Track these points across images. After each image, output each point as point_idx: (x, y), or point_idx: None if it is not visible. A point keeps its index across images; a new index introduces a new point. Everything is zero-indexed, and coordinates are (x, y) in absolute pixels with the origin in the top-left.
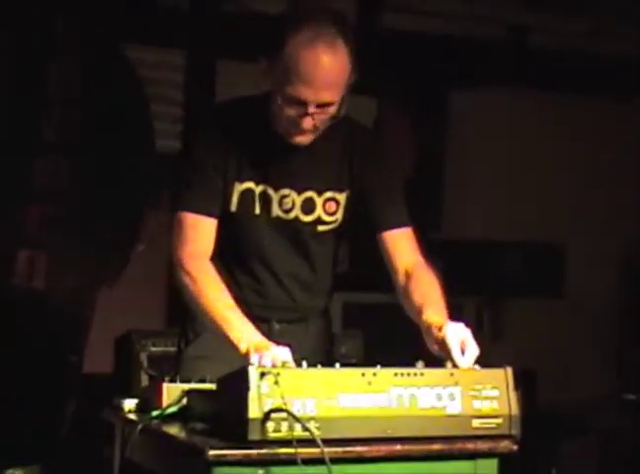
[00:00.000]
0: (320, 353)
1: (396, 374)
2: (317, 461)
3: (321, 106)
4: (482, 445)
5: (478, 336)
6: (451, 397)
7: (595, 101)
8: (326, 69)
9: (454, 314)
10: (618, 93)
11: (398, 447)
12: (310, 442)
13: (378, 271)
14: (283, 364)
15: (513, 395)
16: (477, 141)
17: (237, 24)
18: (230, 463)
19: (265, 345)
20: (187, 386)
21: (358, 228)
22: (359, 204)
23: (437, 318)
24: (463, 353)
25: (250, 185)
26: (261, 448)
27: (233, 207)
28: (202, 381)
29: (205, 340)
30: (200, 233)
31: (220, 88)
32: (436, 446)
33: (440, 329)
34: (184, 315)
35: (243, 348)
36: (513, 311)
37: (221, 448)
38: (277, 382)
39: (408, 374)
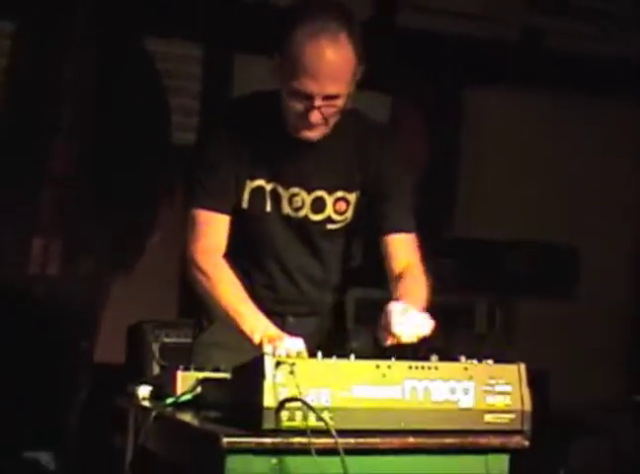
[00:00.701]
0: (332, 347)
1: (410, 367)
2: (330, 452)
3: (327, 98)
4: (494, 440)
5: (490, 334)
6: (465, 391)
7: (608, 102)
8: (330, 62)
9: (467, 312)
10: (632, 94)
11: (411, 440)
12: (324, 433)
13: None
14: (298, 354)
15: (525, 391)
16: (491, 140)
17: (254, 16)
18: (244, 451)
19: (279, 336)
20: (201, 374)
21: (371, 225)
22: (368, 204)
23: None
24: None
25: (261, 182)
26: (275, 437)
27: (244, 204)
28: (217, 370)
29: (219, 327)
30: (213, 229)
31: (238, 81)
32: (448, 440)
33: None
34: (198, 305)
35: (257, 339)
36: (525, 311)
37: (235, 436)
38: (292, 372)
39: (422, 367)
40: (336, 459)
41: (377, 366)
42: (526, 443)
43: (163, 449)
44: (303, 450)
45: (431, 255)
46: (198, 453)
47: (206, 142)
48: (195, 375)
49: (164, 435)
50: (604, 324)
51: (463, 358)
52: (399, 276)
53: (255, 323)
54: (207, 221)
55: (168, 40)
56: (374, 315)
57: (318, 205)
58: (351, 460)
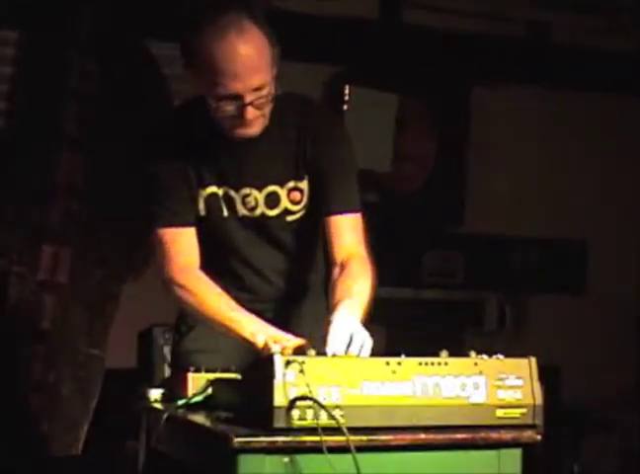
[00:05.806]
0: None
1: (420, 363)
2: (342, 449)
3: (255, 91)
4: (506, 435)
5: (500, 331)
6: (475, 386)
7: (613, 97)
8: (245, 55)
9: (477, 309)
10: (637, 89)
11: (422, 436)
12: (335, 430)
13: (401, 266)
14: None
15: (537, 385)
16: (498, 137)
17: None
18: (256, 451)
19: (283, 336)
20: (212, 375)
21: (380, 224)
22: (313, 185)
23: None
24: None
25: (213, 189)
26: (286, 436)
27: (202, 213)
28: (197, 371)
29: (198, 333)
30: (184, 245)
31: None
32: (459, 436)
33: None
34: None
35: (260, 341)
36: (535, 307)
37: (247, 436)
38: (302, 370)
39: (432, 364)
40: (348, 457)
41: (387, 363)
42: (539, 438)
43: (175, 451)
44: (315, 449)
45: (440, 251)
46: (210, 454)
47: (150, 162)
48: (205, 377)
49: (176, 437)
50: (615, 319)
51: (473, 354)
52: (341, 267)
53: (254, 327)
54: (175, 239)
55: (171, 44)
56: (384, 314)
57: (272, 201)
58: (362, 457)
